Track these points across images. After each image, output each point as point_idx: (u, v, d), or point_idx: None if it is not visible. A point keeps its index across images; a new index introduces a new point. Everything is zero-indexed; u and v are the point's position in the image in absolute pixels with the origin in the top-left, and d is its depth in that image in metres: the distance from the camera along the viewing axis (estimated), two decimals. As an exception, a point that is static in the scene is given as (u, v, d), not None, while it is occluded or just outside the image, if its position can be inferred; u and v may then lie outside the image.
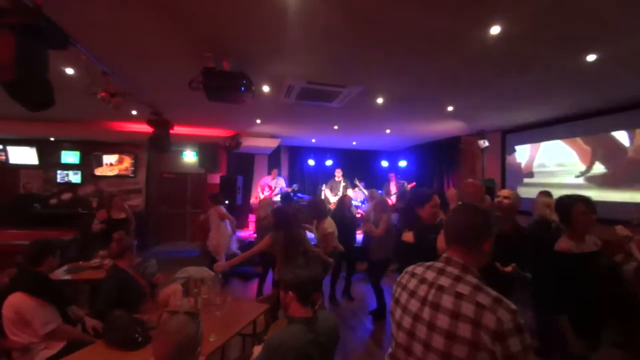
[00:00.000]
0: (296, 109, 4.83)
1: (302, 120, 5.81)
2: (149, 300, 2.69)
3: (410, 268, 1.25)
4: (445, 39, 2.64)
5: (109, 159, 7.48)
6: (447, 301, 1.02)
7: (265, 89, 3.87)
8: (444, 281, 1.07)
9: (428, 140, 7.99)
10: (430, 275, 1.13)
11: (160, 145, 5.14)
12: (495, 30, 2.47)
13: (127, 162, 7.59)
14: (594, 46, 2.74)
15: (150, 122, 4.96)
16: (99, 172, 7.45)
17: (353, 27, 2.48)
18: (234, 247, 5.55)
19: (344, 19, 2.38)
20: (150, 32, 2.58)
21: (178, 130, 5.72)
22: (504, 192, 2.58)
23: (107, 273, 2.68)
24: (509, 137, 6.43)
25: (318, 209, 3.97)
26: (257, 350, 1.71)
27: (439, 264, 1.15)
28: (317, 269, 1.77)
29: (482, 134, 6.21)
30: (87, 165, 7.40)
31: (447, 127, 6.23)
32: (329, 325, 1.67)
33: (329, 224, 3.83)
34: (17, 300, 2.14)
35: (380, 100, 4.36)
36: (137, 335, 2.01)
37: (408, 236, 2.14)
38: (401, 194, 6.99)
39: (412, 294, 1.14)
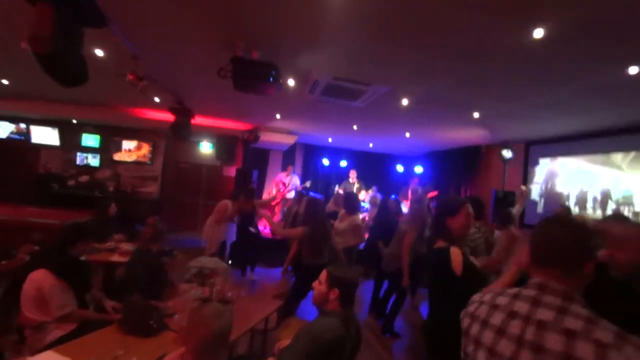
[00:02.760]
0: (318, 106, 4.77)
1: (322, 118, 5.75)
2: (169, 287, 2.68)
3: (483, 297, 1.02)
4: (484, 42, 2.54)
5: (128, 144, 7.57)
6: (554, 342, 0.80)
7: (291, 82, 3.81)
8: (545, 314, 0.84)
9: (447, 147, 7.82)
10: (522, 307, 0.89)
11: (180, 133, 5.15)
12: (538, 34, 2.35)
13: (146, 149, 7.66)
14: (637, 59, 2.60)
15: (172, 110, 4.99)
16: (117, 157, 7.55)
17: (389, 25, 2.42)
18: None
19: (380, 17, 2.31)
20: (184, 17, 2.55)
21: (197, 120, 5.74)
22: None
23: (137, 255, 2.64)
24: (532, 148, 6.24)
25: (354, 203, 4.07)
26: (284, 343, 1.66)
27: (529, 292, 0.91)
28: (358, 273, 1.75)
29: (505, 144, 6.02)
30: (106, 150, 7.50)
31: (469, 134, 6.08)
32: (356, 325, 1.65)
33: (359, 217, 3.97)
34: (40, 277, 2.13)
35: (405, 102, 4.25)
36: (152, 322, 1.98)
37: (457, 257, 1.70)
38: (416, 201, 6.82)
39: (500, 332, 0.90)
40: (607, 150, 4.93)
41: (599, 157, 5.04)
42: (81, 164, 7.39)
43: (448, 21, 2.31)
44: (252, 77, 2.79)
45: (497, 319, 0.92)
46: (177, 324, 2.10)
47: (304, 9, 2.31)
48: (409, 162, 9.31)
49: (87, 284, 2.47)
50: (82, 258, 3.34)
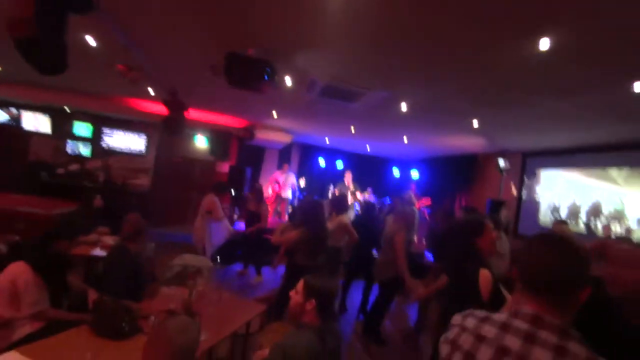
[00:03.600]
0: (316, 106, 4.69)
1: (319, 119, 5.67)
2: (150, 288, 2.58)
3: (464, 322, 0.91)
4: (488, 53, 2.48)
5: (120, 135, 7.44)
6: None
7: (288, 81, 3.72)
8: (541, 355, 0.75)
9: (443, 154, 7.78)
10: (513, 343, 0.78)
11: (173, 128, 5.03)
12: (543, 46, 2.28)
13: (139, 140, 7.53)
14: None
15: (165, 103, 4.86)
16: (109, 147, 7.41)
17: (391, 32, 2.35)
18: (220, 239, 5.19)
19: (383, 24, 2.25)
20: (178, 9, 2.45)
21: (192, 114, 5.63)
22: None
23: (115, 254, 2.51)
24: (529, 160, 6.19)
25: (342, 204, 4.06)
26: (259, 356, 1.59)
27: (522, 325, 0.80)
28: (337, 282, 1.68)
29: (502, 154, 5.98)
30: (98, 139, 7.36)
31: (466, 142, 6.02)
32: (336, 337, 1.58)
33: (345, 217, 3.95)
34: (18, 270, 2.06)
35: (404, 108, 4.18)
36: (124, 324, 1.89)
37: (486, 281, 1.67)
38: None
39: None
40: (602, 165, 4.90)
41: (595, 171, 5.02)
42: (72, 153, 7.25)
43: (452, 32, 2.25)
44: (245, 73, 2.71)
45: (485, 355, 0.81)
46: (151, 327, 2.01)
47: (305, 11, 2.22)
48: (405, 166, 9.26)
49: (64, 283, 2.38)
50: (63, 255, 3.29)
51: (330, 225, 3.84)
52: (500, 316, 0.86)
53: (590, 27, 2.03)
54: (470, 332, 0.87)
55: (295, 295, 1.61)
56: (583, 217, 5.11)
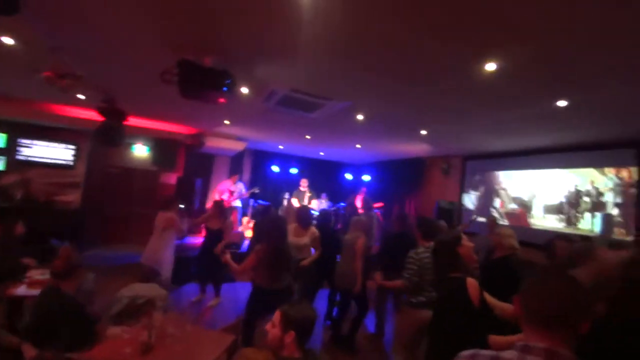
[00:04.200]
0: (272, 115, 4.56)
1: (275, 127, 5.54)
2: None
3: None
4: (441, 69, 2.65)
5: (42, 145, 6.45)
6: None
7: (244, 90, 3.55)
8: None
9: (392, 158, 8.14)
10: None
11: (109, 137, 4.48)
12: (490, 67, 2.51)
13: (65, 151, 6.61)
14: (565, 93, 2.92)
15: (100, 110, 4.31)
16: (28, 159, 6.38)
17: (349, 45, 2.38)
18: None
19: (341, 36, 2.26)
20: (124, 8, 2.17)
21: (132, 121, 5.10)
22: None
23: (47, 299, 2.08)
24: (469, 163, 6.76)
25: (307, 217, 3.95)
26: None
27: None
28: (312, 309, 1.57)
29: (446, 158, 6.45)
30: (13, 151, 6.29)
31: (413, 148, 6.37)
32: None
33: (315, 230, 3.89)
34: None
35: (360, 117, 4.27)
36: (72, 384, 1.60)
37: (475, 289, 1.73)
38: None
39: None
40: (533, 167, 5.55)
41: (522, 171, 5.70)
42: (-22, 167, 6.10)
43: (407, 48, 2.35)
44: (203, 84, 2.50)
45: None
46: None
47: (267, 20, 2.12)
48: (357, 170, 9.51)
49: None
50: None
51: (303, 240, 3.78)
52: (510, 353, 0.88)
53: (526, 56, 2.29)
54: None
55: (272, 328, 1.50)
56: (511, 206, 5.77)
